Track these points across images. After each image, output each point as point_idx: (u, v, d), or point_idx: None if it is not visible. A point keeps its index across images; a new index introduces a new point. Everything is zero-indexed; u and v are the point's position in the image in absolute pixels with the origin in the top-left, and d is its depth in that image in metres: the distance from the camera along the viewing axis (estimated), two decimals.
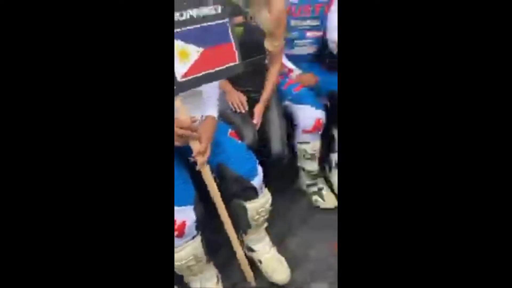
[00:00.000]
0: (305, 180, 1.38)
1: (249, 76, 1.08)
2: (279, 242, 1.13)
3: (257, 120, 1.11)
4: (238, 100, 1.10)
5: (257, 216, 0.97)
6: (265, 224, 1.05)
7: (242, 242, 1.04)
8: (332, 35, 1.23)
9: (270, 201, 0.99)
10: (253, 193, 0.93)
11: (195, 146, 0.77)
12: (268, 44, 1.06)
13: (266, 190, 0.99)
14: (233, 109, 1.11)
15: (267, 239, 1.08)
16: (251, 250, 1.06)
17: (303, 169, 1.35)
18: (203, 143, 0.79)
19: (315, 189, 1.36)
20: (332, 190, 1.37)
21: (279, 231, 1.19)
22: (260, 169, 0.94)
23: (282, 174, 1.36)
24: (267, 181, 0.99)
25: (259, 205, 0.95)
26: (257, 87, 1.15)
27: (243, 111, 1.10)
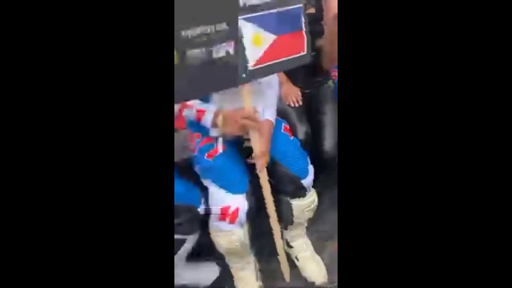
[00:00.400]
0: None
1: (306, 72, 1.05)
2: (320, 242, 1.10)
3: None
4: (295, 94, 1.07)
5: (301, 215, 0.96)
6: (307, 223, 1.03)
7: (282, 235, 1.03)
8: None
9: (316, 201, 0.97)
10: (301, 192, 0.92)
11: (257, 147, 0.76)
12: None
13: (313, 190, 0.97)
14: (287, 103, 1.08)
15: (306, 238, 1.06)
16: (289, 246, 1.05)
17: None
18: (265, 144, 0.79)
19: None
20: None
21: (321, 232, 1.16)
22: (311, 168, 0.92)
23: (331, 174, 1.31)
24: (315, 181, 0.96)
25: (305, 204, 0.94)
26: (314, 83, 1.11)
27: (297, 105, 1.07)
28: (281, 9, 0.64)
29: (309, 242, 1.06)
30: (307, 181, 0.91)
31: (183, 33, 0.53)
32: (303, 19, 0.69)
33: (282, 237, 1.01)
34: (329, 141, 1.07)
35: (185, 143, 1.04)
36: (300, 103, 1.08)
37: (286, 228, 1.02)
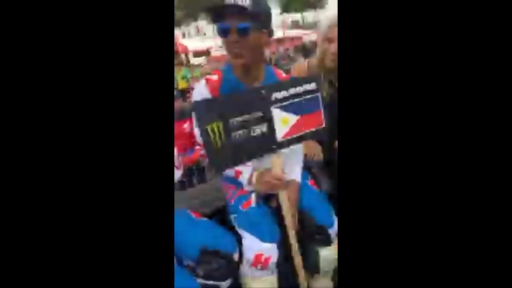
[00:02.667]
0: None
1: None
2: None
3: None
4: (315, 150, 1.19)
5: (327, 264, 0.99)
6: (332, 273, 1.05)
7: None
8: None
9: None
10: (327, 241, 0.97)
11: (285, 205, 0.86)
12: None
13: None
14: (311, 158, 1.19)
15: None
16: None
17: None
18: (292, 202, 0.88)
19: None
20: None
21: None
22: (336, 218, 0.99)
23: None
24: None
25: (332, 253, 0.98)
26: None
27: (318, 160, 1.18)
28: (302, 99, 0.83)
29: None
30: (333, 229, 0.96)
31: (230, 120, 0.73)
32: (320, 102, 0.86)
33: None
34: None
35: (218, 193, 1.10)
36: (321, 158, 1.18)
37: (312, 277, 1.04)
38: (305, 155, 1.20)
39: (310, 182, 1.06)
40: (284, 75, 1.01)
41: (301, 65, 1.24)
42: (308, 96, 0.83)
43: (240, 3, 0.78)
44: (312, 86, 0.84)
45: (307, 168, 1.15)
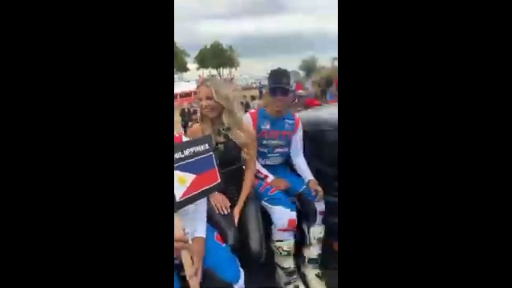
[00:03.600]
0: (282, 278, 1.40)
1: (229, 183, 1.26)
2: None
3: (236, 218, 1.23)
4: (221, 202, 1.24)
5: None
6: None
7: None
8: (294, 153, 1.59)
9: None
10: None
11: (188, 270, 0.84)
12: (244, 155, 1.29)
13: None
14: (217, 211, 1.22)
15: None
16: None
17: (280, 267, 1.39)
18: (195, 264, 0.87)
19: (291, 287, 1.37)
20: (307, 286, 1.38)
21: None
22: (242, 272, 1.00)
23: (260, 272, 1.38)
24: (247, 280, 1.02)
25: None
26: (236, 191, 1.31)
27: (226, 213, 1.22)
28: (197, 158, 0.88)
29: None
30: (239, 284, 0.97)
31: None
32: (214, 160, 0.93)
33: None
34: (255, 242, 1.19)
35: None
36: (228, 211, 1.23)
37: None
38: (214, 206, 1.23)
39: (216, 237, 1.07)
40: None
41: (195, 127, 1.35)
42: (202, 156, 0.90)
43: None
44: (205, 146, 0.91)
45: (213, 221, 1.17)
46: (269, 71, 1.50)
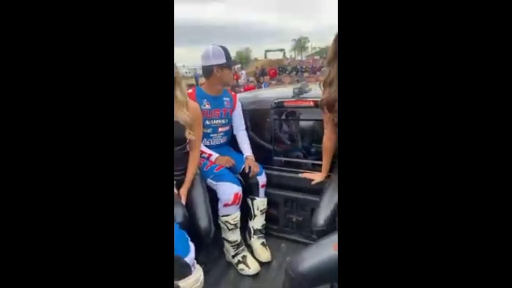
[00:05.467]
0: (230, 251, 1.43)
1: (176, 163, 1.21)
2: None
3: (183, 198, 1.19)
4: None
5: None
6: None
7: None
8: (235, 129, 1.62)
9: (202, 276, 1.00)
10: (187, 270, 0.94)
11: None
12: (188, 135, 1.25)
13: (198, 266, 1.01)
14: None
15: None
16: None
17: (227, 241, 1.42)
18: None
19: (239, 258, 1.42)
20: (253, 256, 1.45)
21: None
22: (192, 246, 0.98)
23: (209, 249, 1.38)
24: (197, 257, 1.02)
25: (193, 281, 0.95)
26: (181, 171, 1.27)
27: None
28: None
29: None
30: (190, 258, 0.95)
31: None
32: None
33: None
34: (203, 220, 1.18)
35: None
36: (175, 190, 1.18)
37: None
38: None
39: None
40: None
41: None
42: None
43: None
44: None
45: None
46: (210, 49, 1.47)
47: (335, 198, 1.10)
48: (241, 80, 5.42)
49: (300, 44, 32.42)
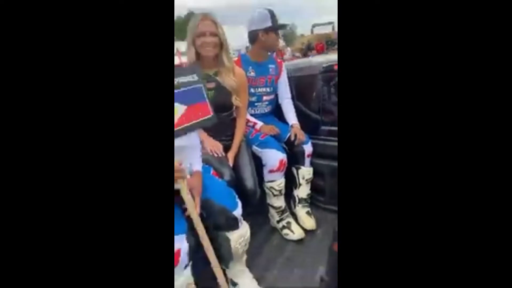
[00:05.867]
0: (274, 217, 1.46)
1: (221, 128, 1.25)
2: (258, 276, 1.14)
3: (231, 162, 1.23)
4: (214, 146, 1.23)
5: (238, 246, 1.00)
6: (245, 257, 1.08)
7: (226, 277, 1.03)
8: (280, 97, 1.55)
9: (249, 232, 1.05)
10: (234, 223, 0.99)
11: (189, 203, 0.84)
12: (235, 101, 1.26)
13: (245, 222, 1.05)
14: (211, 154, 1.22)
15: (248, 272, 1.10)
16: (234, 284, 1.05)
17: (272, 206, 1.45)
18: (196, 197, 0.87)
19: (284, 223, 1.43)
20: (298, 223, 1.45)
21: (257, 266, 1.20)
22: (239, 202, 1.02)
23: (254, 213, 1.43)
24: (244, 216, 1.05)
25: (240, 234, 1.00)
26: (228, 136, 1.30)
27: (219, 155, 1.22)
28: (185, 89, 0.84)
29: (251, 276, 1.08)
30: (237, 212, 0.99)
31: None
32: (204, 93, 0.90)
33: (226, 277, 1.03)
34: (249, 181, 1.22)
35: None
36: (222, 152, 1.23)
37: (228, 266, 1.05)
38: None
39: (212, 173, 1.08)
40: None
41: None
42: (191, 87, 0.86)
43: None
44: (193, 76, 0.87)
45: (209, 162, 1.16)
46: (256, 13, 1.42)
47: None
48: (286, 56, 5.23)
49: None
